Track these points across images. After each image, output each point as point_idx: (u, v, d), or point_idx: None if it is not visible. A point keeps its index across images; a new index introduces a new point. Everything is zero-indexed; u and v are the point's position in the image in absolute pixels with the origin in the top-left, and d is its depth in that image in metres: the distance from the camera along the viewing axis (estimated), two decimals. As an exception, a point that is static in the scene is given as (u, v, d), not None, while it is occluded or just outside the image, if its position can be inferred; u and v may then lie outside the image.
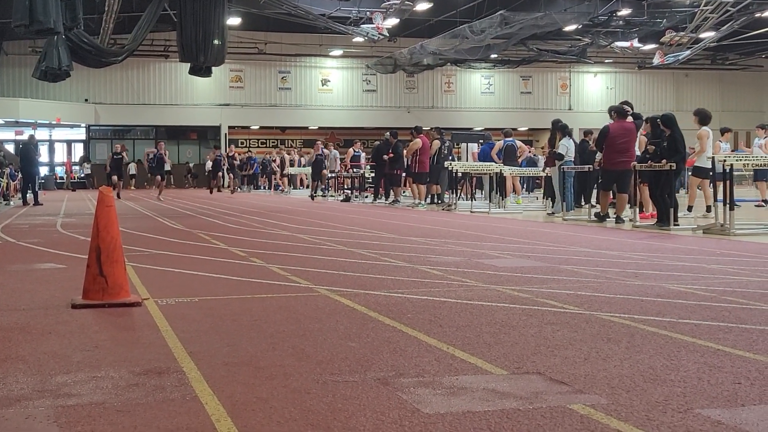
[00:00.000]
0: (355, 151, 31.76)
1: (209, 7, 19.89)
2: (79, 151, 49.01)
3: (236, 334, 4.93)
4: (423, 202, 22.82)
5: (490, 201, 20.47)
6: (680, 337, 4.75)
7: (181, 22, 20.15)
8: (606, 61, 50.11)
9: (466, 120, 49.33)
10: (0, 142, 36.71)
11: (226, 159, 35.65)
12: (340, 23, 35.53)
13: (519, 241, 11.27)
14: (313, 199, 27.15)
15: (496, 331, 4.96)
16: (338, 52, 47.78)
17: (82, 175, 47.10)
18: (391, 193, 24.53)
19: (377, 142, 26.90)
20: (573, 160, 17.63)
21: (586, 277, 7.35)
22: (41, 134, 44.65)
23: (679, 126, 13.57)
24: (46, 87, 40.76)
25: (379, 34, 35.01)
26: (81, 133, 48.55)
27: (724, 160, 12.32)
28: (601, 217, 14.86)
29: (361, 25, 35.77)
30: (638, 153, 15.00)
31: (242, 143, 49.68)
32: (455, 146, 29.78)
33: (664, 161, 13.24)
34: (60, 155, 49.16)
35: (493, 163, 20.78)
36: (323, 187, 31.14)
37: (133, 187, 43.61)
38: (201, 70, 21.03)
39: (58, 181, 46.72)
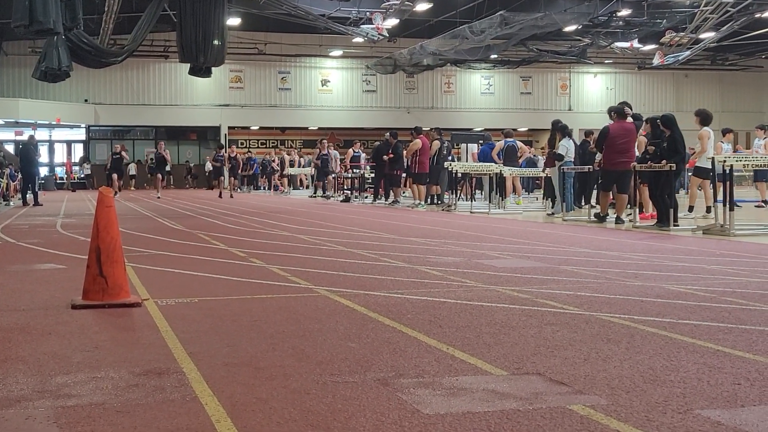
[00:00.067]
0: (354, 152, 31.75)
1: (209, 8, 19.89)
2: (78, 151, 49.02)
3: (236, 334, 4.93)
4: (423, 202, 22.82)
5: (489, 201, 20.47)
6: (680, 337, 4.75)
7: (180, 23, 20.14)
8: (606, 61, 50.12)
9: (465, 120, 49.35)
10: (0, 142, 36.69)
11: (227, 159, 35.43)
12: (339, 24, 35.53)
13: (519, 241, 11.27)
14: (328, 198, 26.73)
15: (496, 331, 4.96)
16: (338, 52, 47.79)
17: (82, 176, 47.11)
18: (391, 193, 24.53)
19: (377, 143, 26.89)
20: (573, 160, 17.64)
21: (586, 278, 7.35)
22: (41, 134, 44.68)
23: (678, 127, 13.57)
24: (45, 87, 40.78)
25: (379, 34, 35.01)
26: (81, 134, 48.56)
27: (724, 161, 12.32)
28: (601, 218, 14.86)
29: (361, 26, 35.77)
30: (638, 154, 15.01)
31: (242, 144, 49.68)
32: (455, 146, 29.79)
33: (663, 162, 13.24)
34: (60, 156, 49.17)
35: (493, 164, 20.78)
36: (325, 188, 30.70)
37: (132, 188, 43.60)
38: (201, 70, 21.02)
39: (57, 181, 46.72)
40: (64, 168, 48.30)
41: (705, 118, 15.67)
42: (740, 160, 13.67)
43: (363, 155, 32.37)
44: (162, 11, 22.43)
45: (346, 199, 26.84)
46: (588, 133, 21.39)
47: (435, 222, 15.60)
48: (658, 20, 37.41)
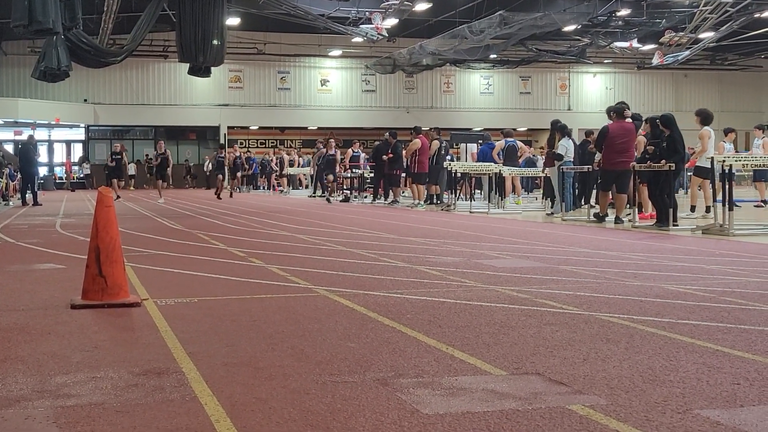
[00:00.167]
0: (354, 152, 31.74)
1: (208, 7, 19.87)
2: (78, 151, 49.01)
3: (235, 334, 4.93)
4: (422, 202, 22.82)
5: (489, 201, 20.48)
6: (679, 337, 4.75)
7: (180, 22, 20.13)
8: (605, 61, 50.11)
9: (465, 120, 49.36)
10: (-1, 142, 36.70)
11: (229, 159, 35.10)
12: (339, 23, 35.53)
13: (518, 241, 11.27)
14: (329, 202, 26.12)
15: (495, 331, 4.96)
16: (337, 52, 47.78)
17: (82, 176, 47.10)
18: (390, 193, 24.53)
19: (377, 143, 26.86)
20: (572, 160, 17.64)
21: (585, 278, 7.35)
22: (40, 134, 44.67)
23: (678, 126, 13.57)
24: (45, 87, 40.76)
25: (378, 34, 35.00)
26: (80, 134, 48.54)
27: (723, 161, 12.33)
28: (601, 218, 14.86)
29: (360, 26, 35.76)
30: (637, 154, 15.01)
31: (241, 143, 49.68)
32: (455, 146, 29.78)
33: (663, 162, 13.24)
34: (59, 155, 49.16)
35: (493, 164, 20.78)
36: (330, 188, 30.10)
37: (132, 188, 43.58)
38: (200, 70, 21.01)
39: (57, 181, 46.71)
40: (64, 168, 48.28)
41: (705, 117, 15.67)
42: (739, 160, 13.67)
43: (362, 155, 32.36)
44: (161, 11, 22.40)
45: (346, 199, 26.83)
46: (588, 132, 21.38)
47: (434, 222, 15.60)
48: (658, 20, 37.41)
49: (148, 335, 4.92)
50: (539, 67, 50.16)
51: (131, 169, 44.64)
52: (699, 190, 16.98)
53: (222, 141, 43.16)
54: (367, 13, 35.62)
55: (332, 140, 29.00)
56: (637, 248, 10.20)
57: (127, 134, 49.43)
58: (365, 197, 27.92)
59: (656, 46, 41.78)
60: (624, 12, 36.75)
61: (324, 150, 28.91)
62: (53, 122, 45.17)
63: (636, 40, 41.05)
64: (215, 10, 20.00)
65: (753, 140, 21.97)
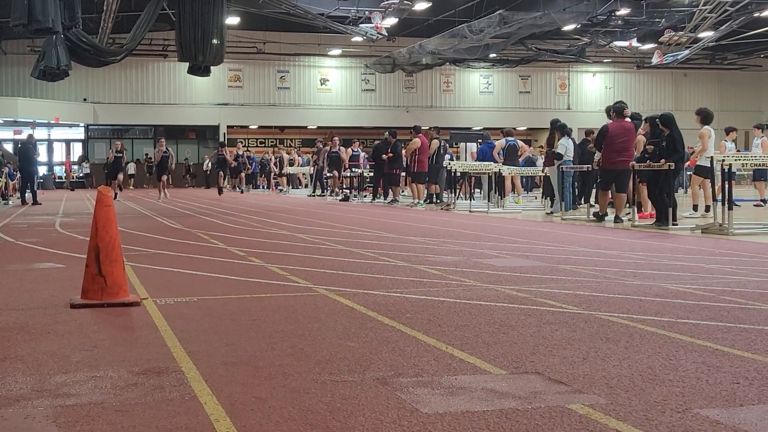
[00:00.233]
0: (353, 151, 31.73)
1: (208, 7, 19.87)
2: (77, 150, 49.01)
3: (235, 333, 4.93)
4: (421, 201, 22.82)
5: (488, 201, 20.48)
6: (679, 336, 4.75)
7: (179, 22, 20.12)
8: (605, 60, 50.13)
9: (464, 119, 49.37)
10: (-1, 141, 36.68)
11: (232, 159, 34.75)
12: (338, 23, 35.54)
13: (518, 240, 11.27)
14: (346, 199, 25.94)
15: (495, 330, 4.96)
16: (337, 51, 47.79)
17: (81, 175, 47.10)
18: (390, 192, 24.53)
19: (377, 142, 26.84)
20: (572, 159, 17.64)
21: (585, 277, 7.35)
22: (40, 134, 44.65)
23: (677, 126, 13.57)
24: (44, 86, 40.76)
25: (378, 33, 35.01)
26: (80, 133, 48.54)
27: (723, 160, 12.33)
28: (600, 217, 14.86)
29: (360, 25, 35.77)
30: (636, 154, 15.01)
31: (241, 143, 49.69)
32: (454, 145, 29.75)
33: (662, 161, 13.24)
34: (59, 155, 49.16)
35: (492, 163, 20.78)
36: (338, 186, 29.25)
37: (131, 187, 43.58)
38: (200, 69, 21.00)
39: (56, 180, 46.70)
40: (63, 167, 48.28)
41: (706, 117, 15.67)
42: (739, 159, 13.68)
43: (362, 154, 32.36)
44: (161, 10, 22.41)
45: (345, 198, 26.83)
46: (588, 132, 21.38)
47: (434, 221, 15.60)
48: (657, 19, 37.42)
49: (148, 334, 4.92)
50: (539, 67, 50.17)
51: (131, 169, 44.61)
52: (699, 189, 16.97)
53: (221, 140, 43.18)
54: (366, 12, 35.63)
55: (336, 138, 28.75)
56: (637, 247, 10.20)
57: (126, 133, 49.44)
58: (365, 196, 27.91)
59: (656, 45, 41.80)
60: (623, 11, 36.76)
61: (328, 147, 28.75)
62: (53, 121, 45.18)
63: (635, 39, 41.08)
64: (215, 10, 20.00)
65: (752, 140, 21.98)
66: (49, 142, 48.19)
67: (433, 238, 11.54)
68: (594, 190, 17.86)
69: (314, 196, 31.24)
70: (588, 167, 16.95)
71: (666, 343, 4.59)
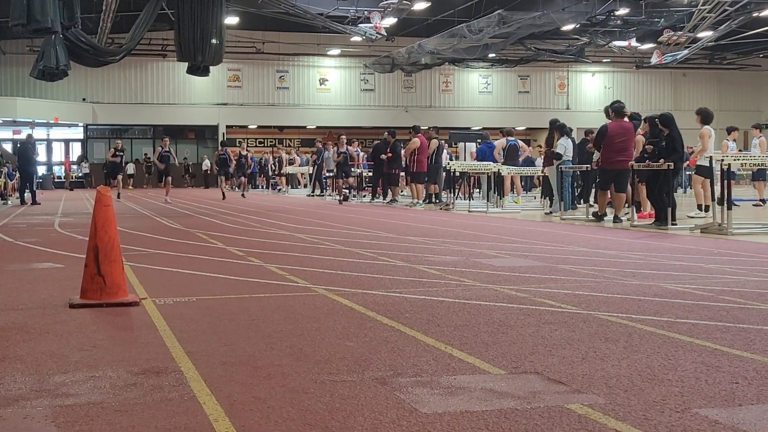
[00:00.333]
0: (353, 151, 31.69)
1: (207, 7, 19.87)
2: (76, 150, 49.01)
3: (234, 333, 4.92)
4: (421, 201, 22.83)
5: (488, 200, 20.48)
6: (678, 336, 4.75)
7: (178, 22, 20.12)
8: (604, 60, 50.15)
9: (464, 119, 49.39)
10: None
11: (234, 158, 34.25)
12: (337, 22, 35.54)
13: (517, 240, 11.27)
14: (341, 203, 25.61)
15: (494, 330, 4.96)
16: (336, 51, 47.80)
17: (80, 175, 47.10)
18: (389, 192, 24.52)
19: (376, 142, 26.82)
20: (571, 159, 17.64)
21: (584, 277, 7.35)
22: (39, 133, 44.66)
23: (677, 125, 13.57)
24: (43, 86, 40.76)
25: (377, 33, 35.01)
26: (79, 133, 48.54)
27: (722, 160, 12.33)
28: (599, 217, 14.87)
29: (359, 25, 35.78)
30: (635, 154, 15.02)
31: (240, 143, 49.70)
32: (452, 145, 29.74)
33: (662, 161, 13.25)
34: (58, 155, 49.15)
35: (491, 163, 20.78)
36: (346, 186, 28.21)
37: (131, 187, 43.58)
38: (199, 69, 21.00)
39: (55, 180, 46.70)
40: (62, 167, 48.27)
41: (706, 116, 15.67)
42: (738, 159, 13.68)
43: (361, 154, 32.33)
44: (160, 10, 22.39)
45: (345, 198, 26.83)
46: (588, 132, 21.39)
47: (433, 221, 15.61)
48: (656, 19, 37.45)
49: (147, 334, 4.92)
50: (538, 67, 50.18)
51: (130, 169, 44.59)
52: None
53: (220, 140, 43.18)
54: (365, 12, 35.64)
55: (343, 137, 28.42)
56: (636, 247, 10.20)
57: (125, 133, 49.44)
58: (364, 196, 27.90)
59: (655, 45, 41.82)
60: (622, 11, 36.78)
61: (336, 147, 28.50)
62: (52, 121, 45.18)
63: (634, 39, 41.10)
64: (214, 9, 20.00)
65: (751, 139, 22.00)
66: (48, 142, 48.20)
67: (432, 238, 11.54)
68: (593, 190, 17.86)
69: (313, 195, 31.25)
70: (587, 167, 16.96)
71: (665, 342, 4.59)
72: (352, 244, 10.74)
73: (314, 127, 50.27)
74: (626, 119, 15.13)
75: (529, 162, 28.43)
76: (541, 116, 46.43)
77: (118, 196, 26.76)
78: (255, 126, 50.60)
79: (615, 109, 14.99)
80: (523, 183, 29.08)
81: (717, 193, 12.97)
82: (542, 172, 19.59)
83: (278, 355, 4.33)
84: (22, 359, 4.29)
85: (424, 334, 4.86)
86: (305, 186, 38.25)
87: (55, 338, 4.84)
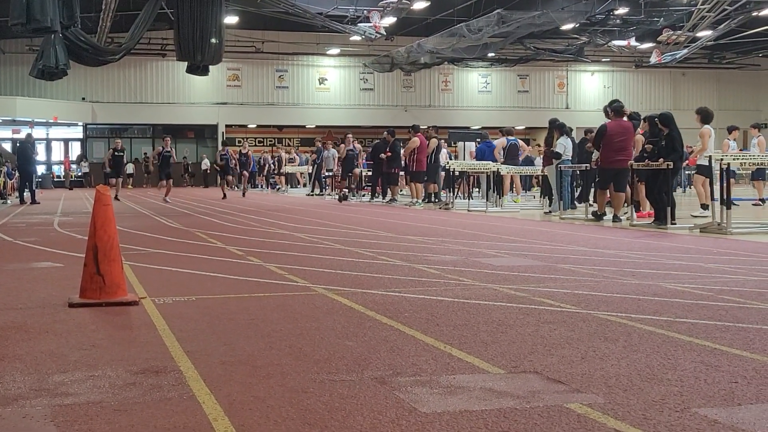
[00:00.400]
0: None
1: (206, 6, 19.87)
2: (76, 149, 49.01)
3: (233, 333, 4.92)
4: (420, 201, 22.83)
5: (487, 200, 20.48)
6: (677, 336, 4.75)
7: (178, 21, 20.12)
8: (603, 59, 50.16)
9: (463, 119, 49.39)
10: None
11: (237, 157, 34.00)
12: (337, 22, 35.54)
13: (516, 239, 11.28)
14: (341, 201, 25.35)
15: (493, 330, 4.96)
16: (335, 50, 47.80)
17: (80, 174, 47.10)
18: (389, 191, 24.52)
19: (376, 141, 26.79)
20: (570, 159, 17.64)
21: (583, 276, 7.35)
22: (38, 133, 44.65)
23: (677, 125, 13.57)
24: (43, 85, 40.76)
25: (377, 32, 35.02)
26: (78, 132, 48.53)
27: (721, 160, 12.33)
28: (598, 216, 14.87)
29: (359, 24, 35.78)
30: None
31: (239, 142, 49.70)
32: (452, 145, 29.73)
33: (661, 160, 13.25)
34: (57, 154, 49.15)
35: (491, 162, 20.78)
36: (352, 186, 28.25)
37: (130, 186, 43.57)
38: (198, 68, 20.99)
39: (55, 179, 46.70)
40: (62, 166, 48.27)
41: (706, 116, 15.67)
42: (737, 159, 13.68)
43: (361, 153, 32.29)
44: (159, 9, 22.39)
45: (344, 198, 26.83)
46: (588, 131, 21.39)
47: (432, 220, 15.61)
48: (656, 18, 37.46)
49: (146, 334, 4.92)
50: (537, 66, 50.19)
51: (129, 168, 44.57)
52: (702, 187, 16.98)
53: (219, 139, 43.19)
54: (365, 11, 35.64)
55: (350, 135, 28.22)
56: (635, 247, 10.20)
57: (125, 133, 49.42)
58: (363, 196, 27.91)
59: (654, 44, 41.84)
60: (622, 10, 36.79)
61: (342, 146, 28.35)
62: (51, 120, 45.17)
63: (634, 38, 41.13)
64: (213, 9, 20.00)
65: (750, 139, 22.01)
66: (48, 142, 48.19)
67: (432, 238, 11.54)
68: (593, 190, 17.87)
69: (313, 195, 31.25)
70: (586, 166, 16.96)
71: (664, 342, 4.59)
72: (351, 243, 10.74)
73: (313, 126, 50.28)
74: (625, 119, 15.14)
75: (529, 161, 28.43)
76: (540, 115, 46.44)
77: (116, 197, 26.42)
78: (254, 125, 50.60)
79: (614, 109, 14.99)
80: (522, 182, 29.09)
81: (716, 193, 12.98)
82: (542, 171, 19.58)
83: (277, 355, 4.33)
84: (22, 358, 4.29)
85: (423, 333, 4.86)
86: (304, 185, 38.26)
87: (54, 337, 4.84)
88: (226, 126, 48.75)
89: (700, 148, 16.18)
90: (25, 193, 25.11)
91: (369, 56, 45.53)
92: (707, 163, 15.33)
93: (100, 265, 5.85)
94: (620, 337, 4.71)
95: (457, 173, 21.70)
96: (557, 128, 17.91)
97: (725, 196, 12.21)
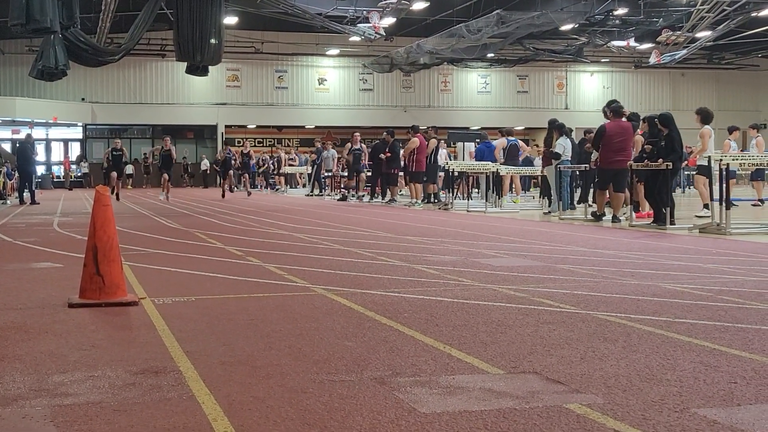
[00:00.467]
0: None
1: (206, 6, 19.86)
2: (75, 150, 49.00)
3: (233, 333, 4.93)
4: (419, 201, 22.83)
5: (486, 200, 20.48)
6: (676, 336, 4.76)
7: (177, 21, 20.12)
8: (602, 60, 50.16)
9: (462, 119, 49.38)
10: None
11: (239, 157, 33.80)
12: (336, 22, 35.53)
13: (515, 240, 11.28)
14: (344, 199, 25.13)
15: (493, 330, 4.97)
16: (335, 51, 47.79)
17: (79, 174, 47.08)
18: (388, 192, 24.52)
19: (375, 142, 26.78)
20: (570, 159, 17.64)
21: (583, 277, 7.35)
22: (38, 133, 44.63)
23: (676, 125, 13.58)
24: (42, 86, 40.74)
25: (376, 33, 35.00)
26: (78, 132, 48.52)
27: (720, 160, 12.34)
28: (598, 217, 14.88)
29: (358, 24, 35.75)
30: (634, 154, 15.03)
31: (239, 142, 49.69)
32: (452, 145, 29.73)
33: (660, 160, 13.25)
34: (57, 154, 49.14)
35: (490, 162, 20.79)
36: (357, 186, 27.57)
37: (129, 186, 43.56)
38: (198, 69, 20.99)
39: (55, 180, 46.69)
40: (62, 167, 48.25)
41: (706, 116, 15.67)
42: (736, 159, 13.68)
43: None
44: (159, 10, 22.38)
45: (343, 198, 26.83)
46: (587, 131, 21.38)
47: (432, 221, 15.61)
48: (655, 19, 37.46)
49: (146, 334, 4.92)
50: (536, 66, 50.18)
51: (129, 168, 44.50)
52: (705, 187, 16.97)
53: (219, 140, 43.21)
54: (364, 12, 35.62)
55: (357, 134, 27.95)
56: (635, 247, 10.21)
57: (124, 133, 49.38)
58: (363, 196, 27.90)
59: (653, 45, 41.83)
60: (621, 11, 36.79)
61: (349, 145, 28.17)
62: (51, 121, 45.16)
63: (633, 39, 41.11)
64: (213, 9, 19.99)
65: (749, 140, 22.02)
66: (47, 142, 48.17)
67: (431, 238, 11.54)
68: (592, 190, 17.87)
69: (312, 195, 31.25)
70: (586, 167, 16.96)
71: (664, 342, 4.59)
72: (350, 243, 10.75)
73: (313, 126, 50.27)
74: (624, 119, 15.14)
75: (528, 162, 28.45)
76: (539, 116, 46.44)
77: (117, 197, 26.41)
78: (254, 126, 50.59)
79: (613, 109, 15.00)
80: (521, 183, 29.10)
81: (715, 193, 12.98)
82: (541, 172, 19.58)
83: (277, 355, 4.33)
84: (21, 359, 4.29)
85: (422, 333, 4.86)
86: (304, 186, 38.26)
87: (53, 338, 4.84)
88: (226, 126, 48.74)
89: (700, 148, 16.18)
90: (24, 194, 25.10)
91: (368, 57, 45.52)
92: (708, 164, 15.33)
93: (99, 266, 5.85)
94: (619, 338, 4.72)
95: (456, 174, 21.70)
96: (557, 129, 17.91)
97: (724, 197, 12.21)
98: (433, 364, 4.10)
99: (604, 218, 14.81)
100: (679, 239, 11.40)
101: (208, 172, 47.63)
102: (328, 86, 50.22)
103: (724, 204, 12.12)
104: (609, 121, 14.98)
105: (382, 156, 24.05)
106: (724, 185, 12.25)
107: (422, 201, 22.98)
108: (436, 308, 5.75)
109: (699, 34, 37.67)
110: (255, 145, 50.25)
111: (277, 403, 3.44)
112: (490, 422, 3.16)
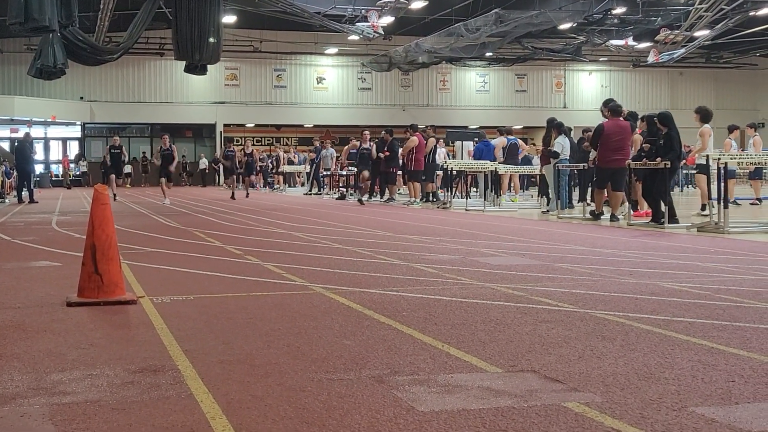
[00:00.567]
0: (352, 150, 31.62)
1: (205, 5, 19.86)
2: (74, 148, 48.98)
3: (231, 332, 4.93)
4: (418, 200, 22.83)
5: (485, 199, 20.48)
6: (674, 335, 4.76)
7: (176, 20, 20.11)
8: (601, 59, 50.18)
9: (461, 118, 49.39)
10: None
11: (242, 156, 33.48)
12: (335, 21, 35.52)
13: (514, 239, 11.28)
14: (361, 203, 24.57)
15: (491, 329, 4.97)
16: (333, 50, 47.79)
17: (78, 173, 47.07)
18: (386, 191, 24.52)
19: (375, 140, 26.75)
20: (568, 158, 17.64)
21: (581, 275, 7.36)
22: (36, 132, 44.60)
23: (675, 124, 13.58)
24: (41, 85, 40.73)
25: (375, 32, 35.00)
26: (76, 131, 48.49)
27: (718, 159, 12.34)
28: (596, 215, 14.88)
29: (357, 23, 35.75)
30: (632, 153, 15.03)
31: (238, 141, 49.66)
32: (450, 144, 29.72)
33: (659, 159, 13.26)
34: (55, 153, 49.11)
35: (488, 161, 20.78)
36: (364, 187, 26.20)
37: (128, 186, 43.53)
38: (196, 68, 20.98)
39: (53, 178, 46.67)
40: (60, 165, 48.24)
41: (705, 115, 15.67)
42: (734, 158, 13.70)
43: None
44: (157, 9, 22.37)
45: (342, 197, 26.82)
46: (586, 130, 21.37)
47: (430, 220, 15.61)
48: (653, 18, 37.46)
49: (144, 333, 4.92)
50: (535, 65, 50.20)
51: (127, 168, 44.45)
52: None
53: (218, 139, 43.19)
54: (363, 10, 35.62)
55: (366, 132, 27.52)
56: (633, 246, 10.21)
57: (123, 132, 49.33)
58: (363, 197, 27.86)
59: (652, 44, 41.84)
60: (619, 10, 36.79)
61: (354, 143, 27.92)
62: (49, 120, 45.14)
63: (631, 38, 41.13)
64: (211, 8, 19.98)
65: (747, 139, 22.04)
66: (46, 141, 48.15)
67: (430, 237, 11.54)
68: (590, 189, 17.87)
69: (311, 194, 31.24)
70: (584, 166, 16.96)
71: (662, 341, 4.60)
72: (349, 242, 10.75)
73: (311, 125, 50.26)
74: (621, 118, 15.14)
75: (527, 161, 28.45)
76: (538, 115, 46.46)
77: (114, 197, 26.03)
78: (252, 125, 50.57)
79: (611, 108, 15.00)
80: (520, 182, 29.09)
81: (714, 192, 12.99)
82: (539, 171, 19.58)
83: (275, 354, 4.33)
84: (20, 357, 4.29)
85: (421, 332, 4.86)
86: (302, 185, 38.26)
87: (52, 336, 4.84)
88: (224, 125, 48.73)
89: (699, 147, 16.19)
90: (23, 192, 25.09)
91: (367, 56, 45.53)
92: (707, 162, 15.33)
93: (98, 264, 5.85)
94: (618, 336, 4.72)
95: (454, 173, 21.69)
96: (555, 128, 17.91)
97: (722, 196, 12.22)
98: (431, 363, 4.10)
99: (602, 217, 14.81)
100: (678, 238, 11.41)
101: (207, 170, 47.63)
102: (326, 85, 50.22)
103: (722, 203, 12.12)
104: (607, 120, 14.98)
105: (381, 155, 24.05)
106: (723, 184, 12.25)
107: (421, 200, 22.98)
108: (435, 307, 5.75)
109: (697, 33, 37.69)
110: (254, 144, 50.13)
111: (275, 402, 3.44)
112: (488, 421, 3.17)
